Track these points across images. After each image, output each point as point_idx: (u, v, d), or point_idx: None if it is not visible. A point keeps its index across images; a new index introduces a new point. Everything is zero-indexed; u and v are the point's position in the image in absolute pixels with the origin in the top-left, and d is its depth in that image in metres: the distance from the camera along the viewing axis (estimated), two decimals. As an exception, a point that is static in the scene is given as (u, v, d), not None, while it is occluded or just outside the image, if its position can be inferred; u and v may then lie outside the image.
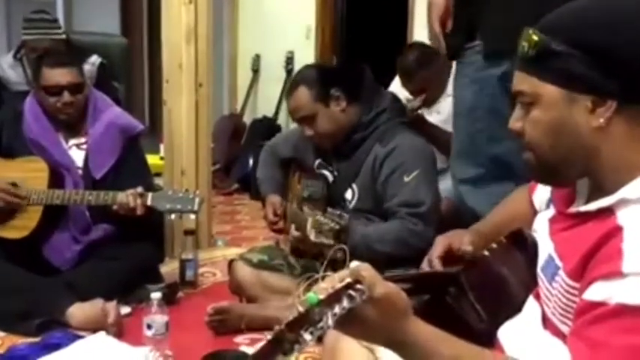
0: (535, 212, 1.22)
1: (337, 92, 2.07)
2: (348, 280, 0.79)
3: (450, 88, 2.74)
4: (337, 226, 1.72)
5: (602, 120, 0.89)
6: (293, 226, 1.97)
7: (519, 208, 1.28)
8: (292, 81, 2.18)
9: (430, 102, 2.78)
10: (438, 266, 1.24)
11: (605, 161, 0.91)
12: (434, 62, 2.70)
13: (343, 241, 1.77)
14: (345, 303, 0.77)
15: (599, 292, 0.83)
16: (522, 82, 0.95)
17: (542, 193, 1.21)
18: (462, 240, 1.25)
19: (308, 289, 0.80)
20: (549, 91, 0.92)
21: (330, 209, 1.84)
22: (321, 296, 0.77)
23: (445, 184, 2.60)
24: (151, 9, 5.14)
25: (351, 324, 0.81)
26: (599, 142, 0.91)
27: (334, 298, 0.77)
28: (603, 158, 0.91)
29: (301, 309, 0.76)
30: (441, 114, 2.75)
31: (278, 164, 2.38)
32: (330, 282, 0.80)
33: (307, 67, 2.32)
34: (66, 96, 2.31)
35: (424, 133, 2.65)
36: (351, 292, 0.78)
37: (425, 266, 1.26)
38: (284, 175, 2.37)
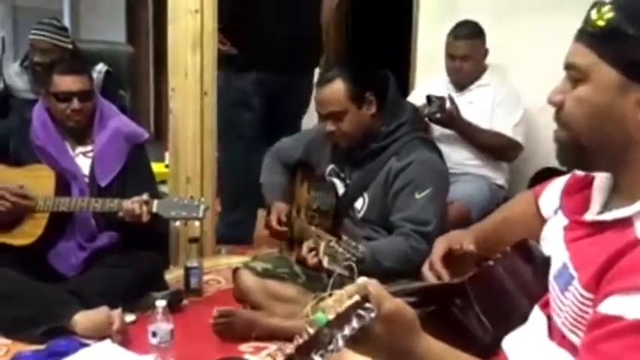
0: (540, 217, 1.21)
1: (371, 97, 2.04)
2: (357, 297, 0.78)
3: (485, 78, 2.81)
4: (354, 258, 1.66)
5: None
6: (305, 248, 1.92)
7: (522, 212, 1.27)
8: (330, 72, 2.08)
9: (463, 84, 2.85)
10: (439, 267, 1.23)
11: (638, 161, 0.89)
12: (483, 39, 2.83)
13: (357, 273, 1.74)
14: (355, 323, 0.76)
15: (615, 306, 0.81)
16: (578, 54, 0.90)
17: (550, 198, 1.19)
18: (462, 241, 1.24)
19: (316, 306, 0.79)
20: (605, 71, 0.87)
21: (345, 237, 1.78)
22: (330, 316, 0.76)
23: (459, 189, 2.63)
24: (156, 17, 5.17)
25: (360, 342, 0.80)
26: (639, 137, 0.88)
27: (344, 318, 0.76)
28: (637, 157, 0.89)
29: (311, 331, 0.76)
30: (473, 104, 2.79)
31: (283, 170, 2.37)
32: (339, 299, 0.79)
33: (347, 62, 2.26)
34: (75, 103, 2.33)
35: (458, 130, 2.70)
36: (360, 311, 0.77)
37: (426, 269, 1.26)
38: (289, 181, 2.36)
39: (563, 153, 0.96)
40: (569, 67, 0.92)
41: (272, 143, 2.50)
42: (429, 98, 2.69)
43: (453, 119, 2.71)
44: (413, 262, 1.85)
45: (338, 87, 2.02)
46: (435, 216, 1.98)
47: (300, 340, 0.76)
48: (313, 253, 1.86)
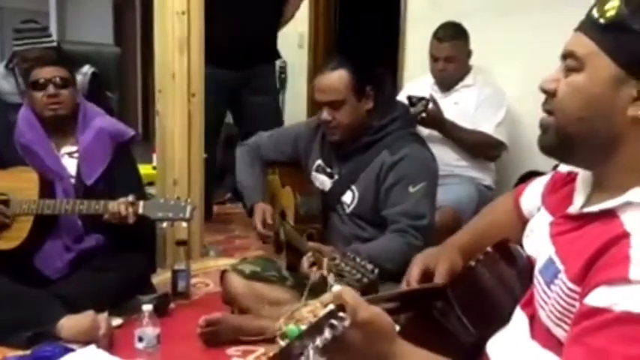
0: (522, 217, 1.21)
1: (371, 91, 2.05)
2: (331, 307, 0.78)
3: (469, 79, 2.82)
4: (366, 280, 1.58)
5: None
6: (305, 263, 1.88)
7: (504, 215, 1.26)
8: (335, 61, 2.08)
9: (448, 85, 2.87)
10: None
11: (623, 157, 0.88)
12: (467, 40, 2.85)
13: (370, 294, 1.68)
14: (327, 333, 0.76)
15: (602, 297, 0.80)
16: (578, 44, 0.89)
17: (531, 198, 1.19)
18: (437, 263, 1.21)
19: (290, 317, 0.78)
20: (603, 63, 0.86)
21: (349, 253, 1.66)
22: (303, 327, 0.76)
23: (447, 192, 2.64)
24: (144, 19, 5.14)
25: (336, 350, 0.79)
26: (627, 133, 0.87)
27: (316, 329, 0.76)
28: (622, 152, 0.88)
29: (282, 343, 0.75)
30: (458, 104, 2.80)
31: (262, 168, 2.32)
32: (313, 309, 0.79)
33: (352, 54, 2.25)
34: (51, 89, 2.34)
35: (442, 130, 2.71)
36: (333, 320, 0.76)
37: (404, 287, 1.24)
38: (265, 174, 2.32)
39: (547, 139, 0.94)
40: (566, 55, 0.91)
41: (246, 134, 2.53)
42: (410, 99, 2.70)
43: (435, 119, 2.72)
44: (409, 260, 1.84)
45: (341, 76, 2.02)
46: (430, 210, 2.00)
47: (271, 354, 0.76)
48: (315, 268, 1.83)
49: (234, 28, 3.12)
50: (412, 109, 2.65)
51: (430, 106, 2.69)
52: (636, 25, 0.84)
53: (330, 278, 1.68)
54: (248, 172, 2.32)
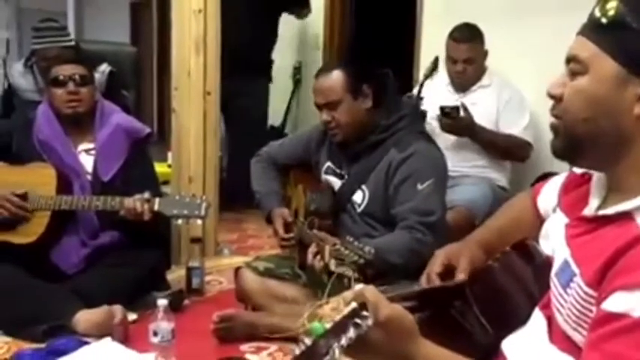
0: (539, 216, 1.21)
1: (368, 90, 2.06)
2: (354, 305, 0.78)
3: (485, 79, 2.81)
4: (362, 261, 1.66)
5: None
6: (310, 254, 1.89)
7: (522, 213, 1.26)
8: (330, 63, 2.16)
9: (466, 85, 2.86)
10: (436, 283, 1.21)
11: (634, 156, 0.88)
12: (483, 41, 2.85)
13: (369, 276, 1.70)
14: (352, 332, 0.76)
15: (620, 303, 0.80)
16: (580, 47, 0.90)
17: (548, 198, 1.18)
18: (458, 258, 1.21)
19: (313, 313, 0.78)
20: (605, 63, 0.87)
21: (349, 238, 1.75)
22: (327, 325, 0.75)
23: (462, 192, 2.63)
24: (160, 18, 5.18)
25: (358, 349, 0.79)
26: (635, 132, 0.87)
27: (340, 327, 0.76)
28: (632, 152, 0.88)
29: (308, 342, 0.75)
30: (477, 105, 2.80)
31: (276, 175, 2.35)
32: (335, 306, 0.79)
33: (348, 56, 2.29)
34: (71, 86, 2.37)
35: (474, 137, 2.71)
36: (357, 319, 0.76)
37: (424, 282, 1.24)
38: (282, 185, 2.34)
39: (557, 143, 0.95)
40: (570, 59, 0.92)
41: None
42: (442, 109, 2.69)
43: (468, 127, 2.71)
44: (419, 255, 1.83)
45: (336, 77, 2.06)
46: (439, 206, 2.00)
47: (297, 352, 0.75)
48: (319, 257, 1.84)
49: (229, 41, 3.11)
50: (443, 120, 2.67)
51: (462, 113, 2.69)
52: (635, 23, 0.85)
53: (332, 264, 1.70)
54: (262, 182, 2.34)
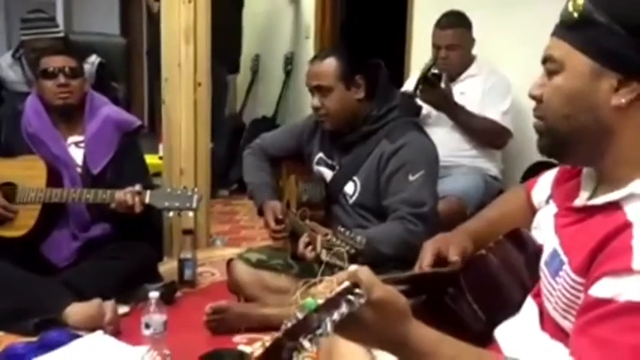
0: (533, 209, 1.22)
1: (361, 80, 2.07)
2: (347, 283, 0.78)
3: (473, 69, 2.80)
4: (353, 250, 1.66)
5: (623, 100, 0.88)
6: (301, 244, 1.89)
7: (515, 206, 1.27)
8: (326, 49, 2.15)
9: (451, 74, 2.84)
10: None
11: (618, 148, 0.90)
12: (470, 28, 2.83)
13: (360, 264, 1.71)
14: (344, 308, 0.76)
15: (606, 288, 0.81)
16: (554, 47, 0.93)
17: (541, 189, 1.20)
18: (448, 247, 1.22)
19: (306, 292, 0.78)
20: (578, 60, 0.90)
21: (340, 228, 1.75)
22: (320, 301, 0.76)
23: (454, 182, 2.62)
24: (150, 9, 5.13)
25: (351, 328, 0.80)
26: (615, 123, 0.89)
27: (333, 303, 0.76)
28: (616, 144, 0.90)
29: (300, 315, 0.75)
30: (465, 94, 2.79)
31: (268, 166, 2.34)
32: (329, 285, 0.79)
33: (344, 44, 2.28)
34: (61, 78, 2.35)
35: (449, 112, 2.70)
36: (350, 296, 0.77)
37: (416, 271, 1.24)
38: (274, 177, 2.34)
39: (543, 143, 0.98)
40: (546, 60, 0.95)
41: None
42: (425, 75, 2.67)
43: (447, 100, 2.70)
44: (411, 246, 1.83)
45: (330, 63, 2.07)
46: (430, 197, 2.00)
47: (289, 325, 0.75)
48: (310, 247, 1.85)
49: None
50: (421, 86, 2.64)
51: (442, 85, 2.68)
52: (601, 17, 0.87)
53: (323, 254, 1.71)
54: (254, 173, 2.33)
